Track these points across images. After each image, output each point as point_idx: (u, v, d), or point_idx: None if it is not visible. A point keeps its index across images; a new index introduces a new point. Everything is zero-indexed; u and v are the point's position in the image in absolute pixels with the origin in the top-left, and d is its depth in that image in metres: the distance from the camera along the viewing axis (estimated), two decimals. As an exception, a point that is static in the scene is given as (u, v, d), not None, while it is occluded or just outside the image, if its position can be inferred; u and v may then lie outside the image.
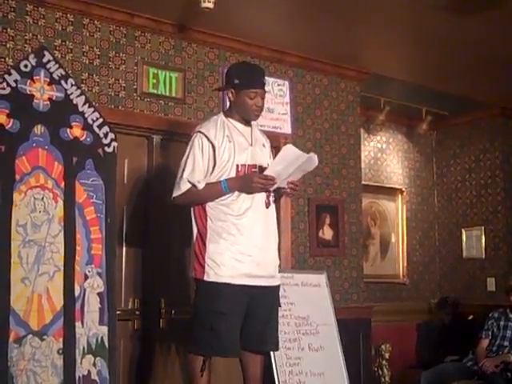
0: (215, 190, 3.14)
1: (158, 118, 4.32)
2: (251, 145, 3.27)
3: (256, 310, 3.17)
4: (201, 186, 3.15)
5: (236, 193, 3.15)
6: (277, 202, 3.42)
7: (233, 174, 3.18)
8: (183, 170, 3.18)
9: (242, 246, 3.12)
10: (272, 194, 3.28)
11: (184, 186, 3.16)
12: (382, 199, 6.49)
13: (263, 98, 3.26)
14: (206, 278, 3.11)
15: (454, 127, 6.78)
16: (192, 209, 3.24)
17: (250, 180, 3.12)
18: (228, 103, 3.36)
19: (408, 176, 6.77)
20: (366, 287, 5.38)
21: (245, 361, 3.26)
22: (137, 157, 4.28)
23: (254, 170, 3.22)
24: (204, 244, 3.14)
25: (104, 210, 3.47)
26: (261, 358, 3.30)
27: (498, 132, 6.44)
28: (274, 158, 3.32)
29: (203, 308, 3.12)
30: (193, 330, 3.16)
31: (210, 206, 3.16)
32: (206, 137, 3.17)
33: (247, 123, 3.30)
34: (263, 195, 3.22)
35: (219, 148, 3.16)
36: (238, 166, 3.18)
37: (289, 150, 3.19)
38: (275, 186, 3.19)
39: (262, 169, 3.24)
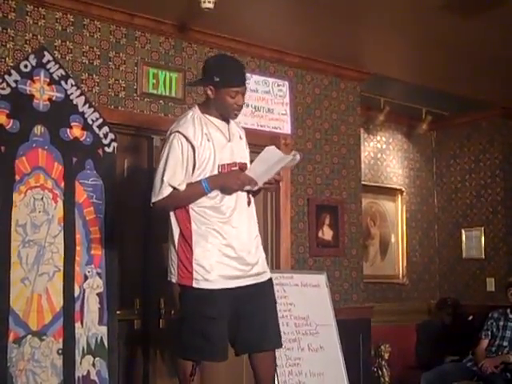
0: (196, 191, 3.01)
1: (158, 119, 4.32)
2: (229, 140, 3.14)
3: (250, 309, 3.09)
4: (182, 187, 3.01)
5: (219, 196, 3.05)
6: (254, 196, 3.36)
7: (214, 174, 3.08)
8: (163, 174, 3.00)
9: (229, 248, 3.04)
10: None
11: (165, 191, 3.00)
12: (381, 199, 6.49)
13: (244, 96, 3.11)
14: (195, 285, 3.00)
15: (453, 127, 6.77)
16: (172, 211, 3.11)
17: (235, 178, 3.03)
18: (205, 98, 3.17)
19: (408, 176, 6.77)
20: (365, 287, 5.38)
21: (254, 362, 3.16)
22: (137, 157, 4.28)
23: (234, 168, 3.10)
24: (190, 248, 3.02)
25: (104, 211, 3.48)
26: (270, 354, 3.18)
27: (497, 132, 6.44)
28: (249, 149, 3.26)
29: (193, 313, 3.04)
30: (181, 336, 3.08)
31: (193, 209, 3.05)
32: (185, 137, 3.01)
33: (224, 119, 3.16)
34: (244, 194, 3.14)
35: (199, 148, 3.02)
36: (219, 166, 3.07)
37: (271, 153, 3.06)
38: (255, 188, 3.12)
39: (240, 165, 3.14)
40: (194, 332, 3.01)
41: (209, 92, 3.08)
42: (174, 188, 3.01)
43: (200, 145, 3.03)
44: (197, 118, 3.10)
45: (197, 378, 3.07)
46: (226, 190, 3.06)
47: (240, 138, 3.25)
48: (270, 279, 3.23)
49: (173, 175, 3.00)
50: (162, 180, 3.01)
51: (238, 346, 3.15)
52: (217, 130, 3.12)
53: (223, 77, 3.03)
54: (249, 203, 3.18)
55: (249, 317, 3.10)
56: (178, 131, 3.04)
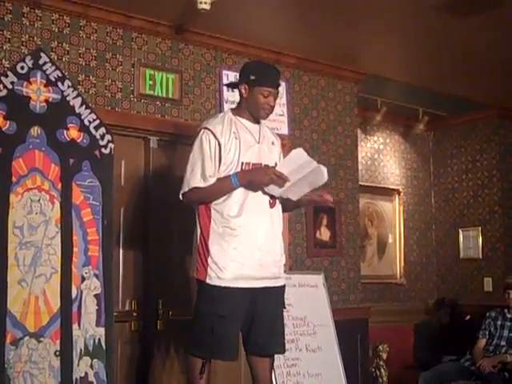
0: (225, 185, 3.08)
1: (155, 120, 4.32)
2: (258, 142, 3.22)
3: (261, 312, 3.14)
4: (212, 180, 3.09)
5: (234, 194, 3.09)
6: (293, 209, 3.41)
7: None
8: (193, 167, 3.11)
9: (244, 247, 3.08)
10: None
11: (193, 182, 3.10)
12: (379, 200, 6.50)
13: (275, 99, 3.22)
14: (208, 281, 3.07)
15: (451, 128, 6.79)
16: (196, 209, 3.18)
17: (264, 172, 3.09)
18: (238, 100, 3.30)
19: (405, 176, 6.77)
20: (363, 288, 5.39)
21: (253, 364, 3.23)
22: (134, 158, 4.28)
23: None
24: (207, 246, 3.10)
25: (101, 212, 3.47)
26: (269, 359, 3.27)
27: (494, 132, 6.45)
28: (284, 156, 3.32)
29: (204, 310, 3.09)
30: (193, 332, 3.13)
31: (214, 208, 3.11)
32: (213, 133, 3.11)
33: (255, 121, 3.25)
34: (267, 195, 3.18)
35: (225, 145, 3.10)
36: (242, 163, 3.13)
37: (298, 154, 3.13)
38: (283, 191, 3.13)
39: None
40: (205, 329, 3.05)
41: (243, 91, 3.20)
42: (204, 180, 3.08)
43: (227, 142, 3.12)
44: (227, 118, 3.20)
45: (206, 376, 3.09)
46: (255, 186, 3.11)
47: (272, 143, 3.33)
48: (284, 285, 3.29)
49: (202, 168, 3.10)
50: (192, 172, 3.11)
51: (247, 347, 3.21)
52: (246, 131, 3.20)
53: (259, 76, 3.17)
54: (272, 205, 3.21)
55: (261, 320, 3.15)
56: (206, 127, 3.16)
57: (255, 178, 3.09)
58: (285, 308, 3.32)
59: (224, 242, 3.08)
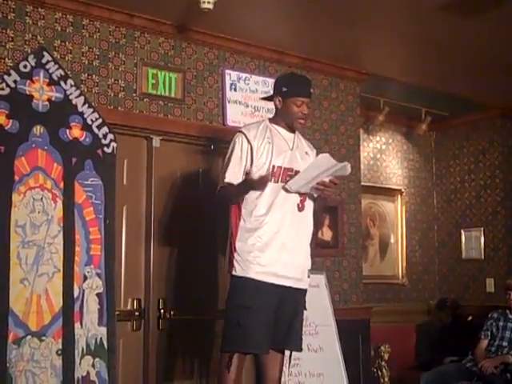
0: (241, 186, 3.23)
1: (158, 119, 4.32)
2: (291, 149, 3.36)
3: (281, 310, 3.24)
4: (235, 181, 3.25)
5: (263, 195, 3.22)
6: (320, 208, 3.49)
7: None
8: (224, 169, 3.31)
9: (267, 245, 3.19)
10: (308, 199, 3.34)
11: (221, 182, 3.29)
12: (381, 200, 6.49)
13: (309, 107, 3.39)
14: (233, 273, 3.21)
15: (453, 128, 6.78)
16: (230, 207, 3.32)
17: (265, 181, 3.19)
18: (275, 111, 3.46)
19: (407, 177, 6.77)
20: (365, 288, 5.38)
21: (264, 361, 3.32)
22: (136, 157, 4.28)
23: (290, 173, 3.30)
24: (234, 242, 3.24)
25: (103, 211, 3.47)
26: (280, 357, 3.36)
27: (497, 133, 6.44)
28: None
29: (232, 303, 3.21)
30: (223, 327, 3.25)
31: (244, 207, 3.25)
32: (246, 137, 3.28)
33: (291, 130, 3.40)
34: (296, 198, 3.29)
35: (258, 149, 3.27)
36: (274, 166, 3.27)
37: (325, 159, 3.29)
38: (300, 186, 3.25)
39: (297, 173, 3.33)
40: (232, 321, 3.16)
41: (277, 102, 3.38)
42: (229, 181, 3.26)
43: (259, 146, 3.29)
44: (263, 125, 3.37)
45: (235, 373, 3.14)
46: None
47: (306, 153, 3.47)
48: (306, 290, 3.38)
49: (230, 169, 3.31)
50: (222, 174, 3.32)
51: None
52: (280, 138, 3.37)
53: (290, 87, 3.34)
54: (301, 209, 3.32)
55: (281, 317, 3.24)
56: (241, 131, 3.35)
57: (258, 187, 3.20)
58: (305, 309, 3.39)
59: (249, 238, 3.21)
